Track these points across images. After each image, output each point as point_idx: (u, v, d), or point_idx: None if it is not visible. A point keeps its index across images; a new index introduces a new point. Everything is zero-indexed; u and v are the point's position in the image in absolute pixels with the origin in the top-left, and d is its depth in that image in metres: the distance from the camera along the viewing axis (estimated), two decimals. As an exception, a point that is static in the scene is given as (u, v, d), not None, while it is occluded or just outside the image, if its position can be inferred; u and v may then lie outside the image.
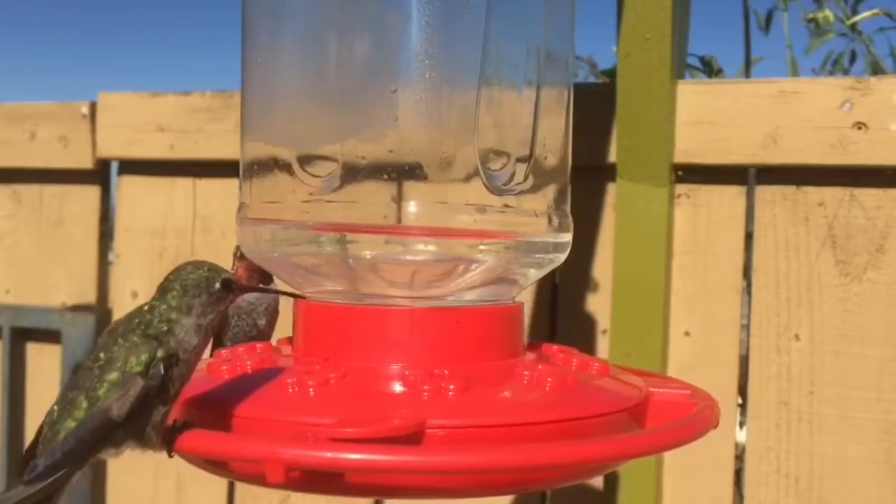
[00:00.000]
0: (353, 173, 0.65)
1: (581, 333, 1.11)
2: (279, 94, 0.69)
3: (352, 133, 0.65)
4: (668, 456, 1.05)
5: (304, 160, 0.67)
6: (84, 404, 0.54)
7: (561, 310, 1.13)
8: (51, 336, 1.40)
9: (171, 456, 0.57)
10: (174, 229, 1.33)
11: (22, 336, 1.43)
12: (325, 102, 0.68)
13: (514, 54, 0.68)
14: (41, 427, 0.56)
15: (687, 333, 1.07)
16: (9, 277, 1.45)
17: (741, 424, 1.12)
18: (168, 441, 0.56)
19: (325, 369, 0.61)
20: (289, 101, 0.69)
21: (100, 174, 1.39)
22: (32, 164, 1.41)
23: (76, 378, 0.56)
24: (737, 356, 1.05)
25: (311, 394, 0.59)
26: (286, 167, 0.68)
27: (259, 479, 0.53)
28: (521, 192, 0.68)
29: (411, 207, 0.64)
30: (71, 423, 0.54)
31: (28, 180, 1.43)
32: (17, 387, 1.43)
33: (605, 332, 1.10)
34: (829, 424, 1.00)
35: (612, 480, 1.06)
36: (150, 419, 0.55)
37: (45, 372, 1.42)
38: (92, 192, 1.40)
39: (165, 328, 0.56)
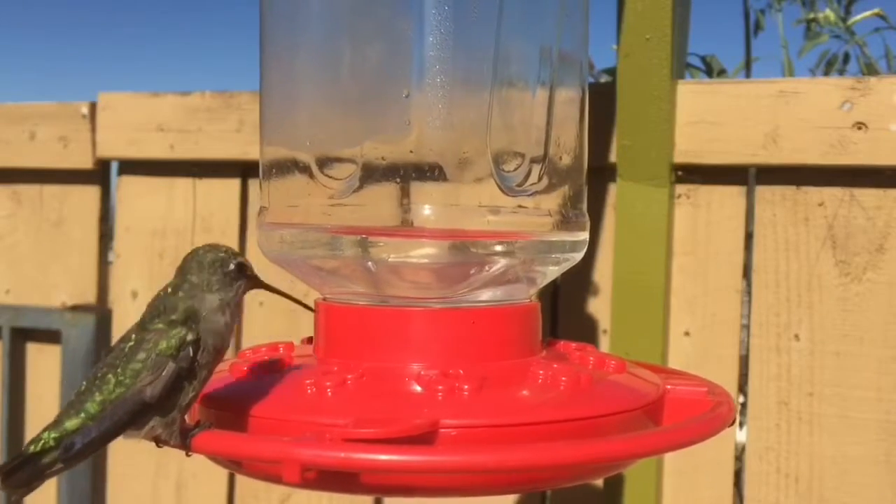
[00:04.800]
0: (371, 175, 0.65)
1: (581, 333, 1.11)
2: (297, 99, 0.70)
3: (369, 135, 0.66)
4: (668, 456, 1.05)
5: (324, 163, 0.68)
6: (112, 381, 0.56)
7: (561, 310, 1.13)
8: (51, 336, 1.40)
9: (188, 455, 0.58)
10: (174, 229, 1.33)
11: (22, 336, 1.43)
12: (343, 106, 0.69)
13: (527, 55, 0.69)
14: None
15: (687, 333, 1.07)
16: (9, 277, 1.45)
17: (741, 424, 1.12)
18: (186, 440, 0.57)
19: (342, 370, 0.62)
20: (307, 105, 0.70)
21: (100, 174, 1.39)
22: (32, 164, 1.41)
23: (107, 359, 0.57)
24: (737, 356, 1.05)
25: (329, 394, 0.60)
26: (306, 170, 0.68)
27: (276, 479, 0.54)
28: (537, 193, 0.68)
29: (428, 209, 0.65)
30: (98, 397, 0.55)
31: (28, 180, 1.43)
32: (17, 387, 1.43)
33: (605, 331, 1.10)
34: (829, 424, 1.00)
35: (612, 480, 1.06)
36: (178, 402, 0.57)
37: (45, 372, 1.42)
38: (92, 192, 1.40)
39: (192, 311, 0.57)
